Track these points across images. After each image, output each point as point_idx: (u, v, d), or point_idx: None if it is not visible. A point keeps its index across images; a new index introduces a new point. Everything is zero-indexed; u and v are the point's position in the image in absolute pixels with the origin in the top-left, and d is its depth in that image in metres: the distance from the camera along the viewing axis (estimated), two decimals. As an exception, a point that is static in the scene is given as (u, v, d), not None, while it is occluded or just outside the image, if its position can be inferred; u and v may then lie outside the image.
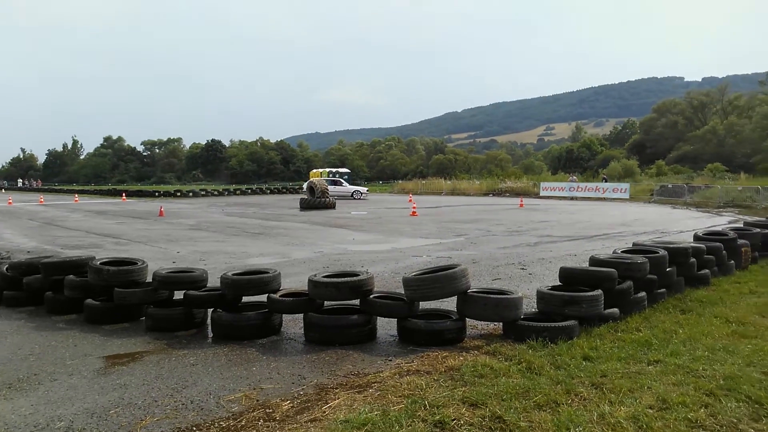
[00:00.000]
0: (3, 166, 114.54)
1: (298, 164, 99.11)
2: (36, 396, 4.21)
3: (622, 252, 7.27)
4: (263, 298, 5.90)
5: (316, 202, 27.40)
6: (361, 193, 40.21)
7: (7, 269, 7.41)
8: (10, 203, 33.23)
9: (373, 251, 12.14)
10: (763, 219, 12.78)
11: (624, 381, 4.20)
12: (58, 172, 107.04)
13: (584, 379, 4.25)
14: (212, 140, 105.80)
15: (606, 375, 4.34)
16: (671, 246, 7.53)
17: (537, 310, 5.78)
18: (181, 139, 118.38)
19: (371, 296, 5.64)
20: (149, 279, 6.38)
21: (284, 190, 53.74)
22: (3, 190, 67.50)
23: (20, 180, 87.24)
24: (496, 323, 5.78)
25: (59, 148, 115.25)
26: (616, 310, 5.95)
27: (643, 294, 6.44)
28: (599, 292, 5.60)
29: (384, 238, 14.67)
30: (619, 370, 4.44)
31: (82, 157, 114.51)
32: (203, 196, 45.39)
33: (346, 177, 62.65)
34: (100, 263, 6.39)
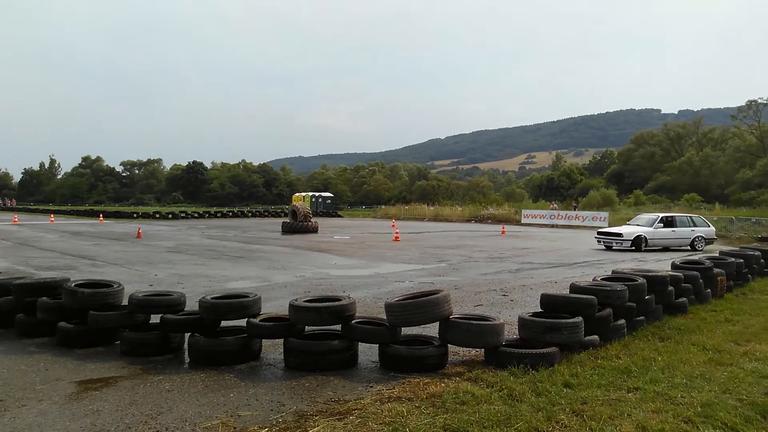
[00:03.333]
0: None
1: (281, 188, 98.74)
2: (1, 423, 4.06)
3: (601, 279, 7.35)
4: (243, 322, 5.80)
5: (299, 225, 27.29)
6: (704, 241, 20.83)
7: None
8: (-17, 223, 32.24)
9: (356, 276, 12.09)
10: (738, 249, 13.04)
11: (604, 408, 4.21)
12: (34, 191, 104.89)
13: (565, 406, 4.25)
14: (193, 162, 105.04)
15: (586, 402, 4.35)
16: (650, 274, 7.65)
17: (518, 336, 5.79)
18: (161, 160, 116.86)
19: (353, 321, 5.60)
20: (125, 302, 6.26)
21: (266, 214, 53.29)
22: None
23: None
24: (477, 349, 5.77)
25: (36, 167, 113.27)
26: (596, 337, 5.99)
27: (622, 321, 6.49)
28: (580, 319, 5.64)
29: (366, 263, 14.63)
30: (600, 397, 4.45)
31: (59, 176, 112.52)
32: (183, 218, 44.78)
33: (329, 201, 62.32)
34: (75, 285, 6.27)
